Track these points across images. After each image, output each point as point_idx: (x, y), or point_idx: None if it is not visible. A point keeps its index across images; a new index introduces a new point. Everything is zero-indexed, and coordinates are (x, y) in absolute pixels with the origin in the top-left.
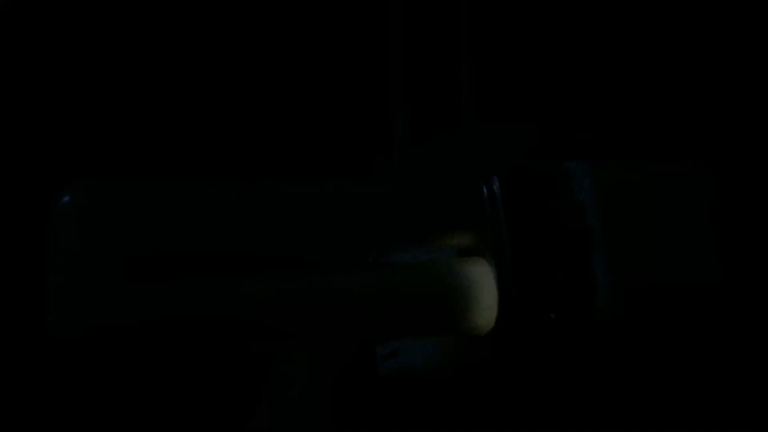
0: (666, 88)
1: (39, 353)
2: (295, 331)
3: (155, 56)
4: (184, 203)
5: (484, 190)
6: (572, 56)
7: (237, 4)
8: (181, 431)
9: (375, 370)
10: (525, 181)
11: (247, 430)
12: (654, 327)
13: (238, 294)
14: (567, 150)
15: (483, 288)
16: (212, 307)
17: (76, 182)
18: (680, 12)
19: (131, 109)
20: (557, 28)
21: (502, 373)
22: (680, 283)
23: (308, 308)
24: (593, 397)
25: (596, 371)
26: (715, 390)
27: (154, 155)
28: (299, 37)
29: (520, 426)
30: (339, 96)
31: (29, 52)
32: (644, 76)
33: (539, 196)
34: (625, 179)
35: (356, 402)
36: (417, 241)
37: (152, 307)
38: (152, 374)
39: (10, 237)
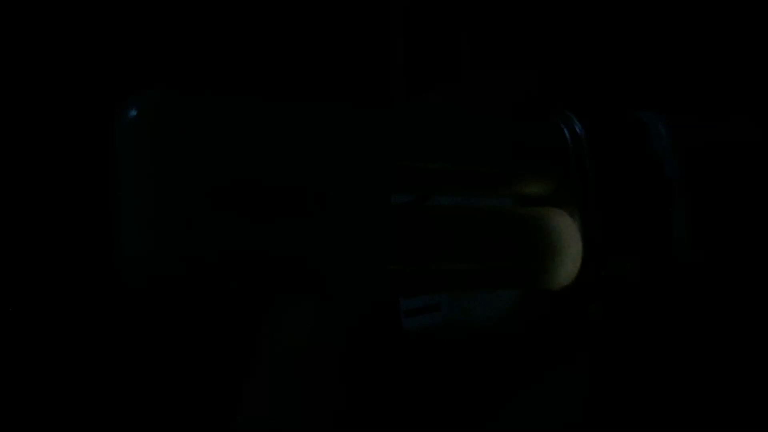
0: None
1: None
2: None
3: None
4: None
5: (566, 133)
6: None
7: None
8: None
9: (399, 326)
10: (609, 128)
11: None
12: (732, 279)
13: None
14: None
15: (569, 239)
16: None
17: (145, 92)
18: None
19: None
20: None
21: (575, 327)
22: (757, 237)
23: None
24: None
25: (676, 325)
26: None
27: None
28: None
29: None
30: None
31: None
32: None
33: (623, 145)
34: (700, 133)
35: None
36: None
37: (240, 243)
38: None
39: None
